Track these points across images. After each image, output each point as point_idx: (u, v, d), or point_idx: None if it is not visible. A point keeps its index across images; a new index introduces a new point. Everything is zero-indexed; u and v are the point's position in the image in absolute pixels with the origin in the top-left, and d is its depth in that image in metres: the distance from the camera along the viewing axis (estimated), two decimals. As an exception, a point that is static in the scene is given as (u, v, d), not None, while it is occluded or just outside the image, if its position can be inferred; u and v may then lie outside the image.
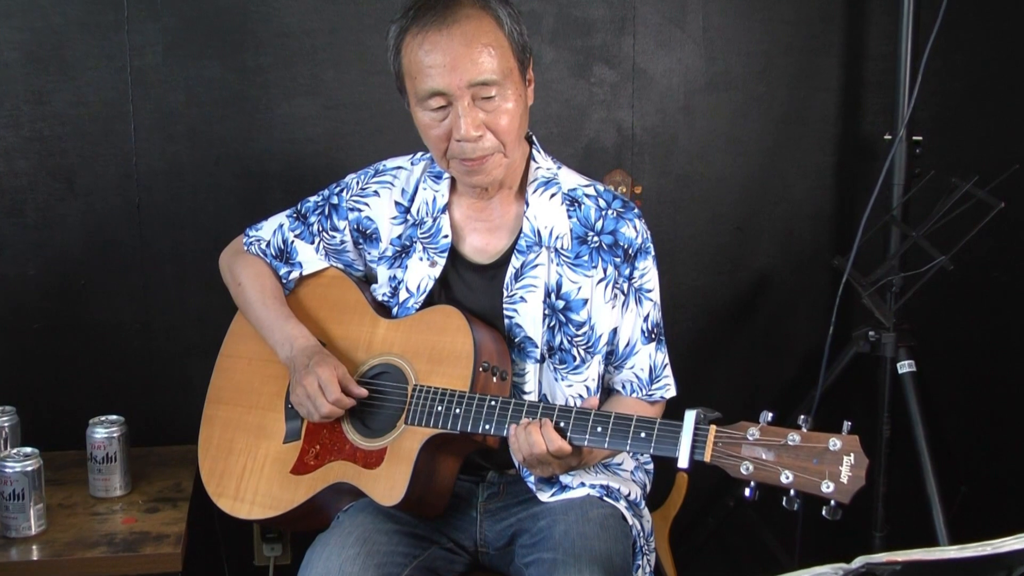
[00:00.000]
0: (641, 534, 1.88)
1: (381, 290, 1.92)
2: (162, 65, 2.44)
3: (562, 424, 1.65)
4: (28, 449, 2.00)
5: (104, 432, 2.11)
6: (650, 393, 1.90)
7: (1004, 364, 2.80)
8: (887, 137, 2.50)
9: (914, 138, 2.47)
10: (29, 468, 1.95)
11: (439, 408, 1.73)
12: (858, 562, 1.20)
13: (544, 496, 1.84)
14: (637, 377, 1.89)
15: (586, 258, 1.83)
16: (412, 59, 1.72)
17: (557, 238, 1.82)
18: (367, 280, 1.99)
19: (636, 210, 1.87)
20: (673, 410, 1.82)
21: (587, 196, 1.85)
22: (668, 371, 1.93)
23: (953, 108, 2.68)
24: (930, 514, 2.35)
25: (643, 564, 1.88)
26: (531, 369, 1.82)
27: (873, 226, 2.46)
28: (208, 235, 2.46)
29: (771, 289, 2.77)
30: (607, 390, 1.94)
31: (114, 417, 2.16)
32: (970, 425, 2.81)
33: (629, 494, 1.91)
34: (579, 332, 1.82)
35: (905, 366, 2.43)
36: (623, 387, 1.91)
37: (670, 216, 2.68)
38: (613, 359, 1.88)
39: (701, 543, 2.74)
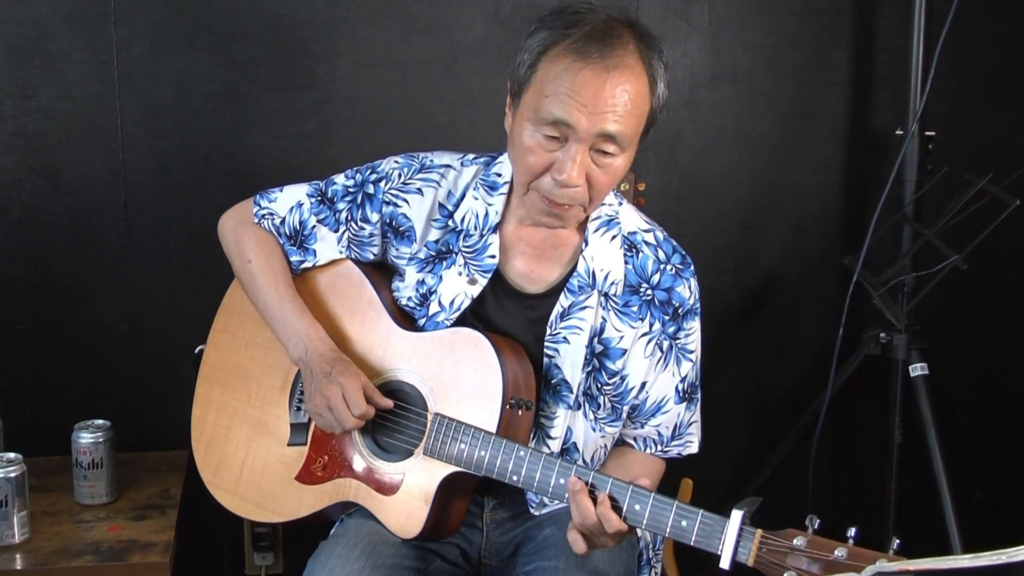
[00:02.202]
0: (649, 546, 1.86)
1: (407, 293, 1.82)
2: (150, 58, 2.42)
3: (597, 494, 1.59)
4: (11, 454, 1.97)
5: (90, 437, 2.09)
6: (666, 449, 1.85)
7: (1019, 366, 2.80)
8: (898, 133, 2.53)
9: (926, 134, 2.49)
10: (12, 474, 1.93)
11: (462, 446, 1.67)
12: (869, 571, 1.20)
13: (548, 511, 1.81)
14: (659, 434, 1.84)
15: (635, 308, 1.76)
16: (553, 76, 1.60)
17: (612, 284, 1.75)
18: (380, 266, 1.88)
19: (692, 267, 1.80)
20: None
21: (647, 244, 1.78)
22: (695, 428, 1.87)
23: (966, 103, 2.68)
24: (943, 521, 2.35)
25: (648, 576, 1.86)
26: (562, 414, 1.75)
27: (884, 224, 2.46)
28: (198, 233, 2.43)
29: (778, 289, 2.76)
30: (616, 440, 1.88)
31: (100, 422, 2.13)
32: (984, 429, 2.80)
33: (636, 504, 1.86)
34: (609, 381, 1.76)
35: (917, 368, 2.44)
36: (636, 441, 1.85)
37: (674, 214, 2.66)
38: (636, 414, 1.82)
39: (708, 554, 2.70)
